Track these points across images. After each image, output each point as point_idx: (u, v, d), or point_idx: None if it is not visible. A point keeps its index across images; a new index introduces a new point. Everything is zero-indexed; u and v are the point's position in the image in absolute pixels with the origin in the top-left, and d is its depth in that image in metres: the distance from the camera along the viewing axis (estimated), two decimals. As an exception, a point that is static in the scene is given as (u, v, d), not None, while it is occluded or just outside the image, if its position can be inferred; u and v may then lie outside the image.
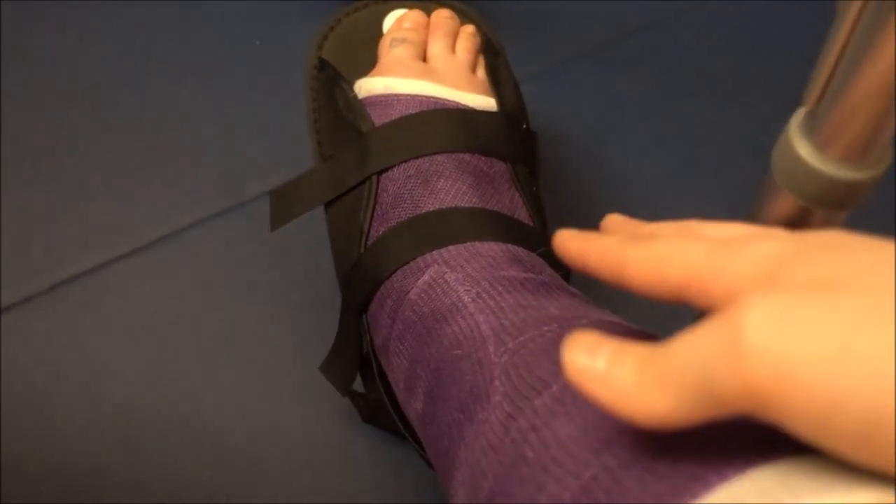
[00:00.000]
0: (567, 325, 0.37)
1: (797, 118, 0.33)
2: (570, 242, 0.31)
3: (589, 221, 0.62)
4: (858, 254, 0.22)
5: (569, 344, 0.26)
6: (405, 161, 0.48)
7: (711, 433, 0.25)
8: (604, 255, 0.29)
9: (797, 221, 0.35)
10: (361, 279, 0.46)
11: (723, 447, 0.25)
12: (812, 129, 0.32)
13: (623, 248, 0.28)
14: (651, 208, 0.64)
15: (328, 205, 0.51)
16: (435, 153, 0.48)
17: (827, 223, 0.35)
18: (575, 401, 0.31)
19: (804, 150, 0.33)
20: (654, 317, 0.51)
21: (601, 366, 0.24)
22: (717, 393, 0.21)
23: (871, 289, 0.20)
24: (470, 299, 0.40)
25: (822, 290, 0.21)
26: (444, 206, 0.46)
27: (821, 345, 0.20)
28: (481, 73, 0.54)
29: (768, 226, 0.39)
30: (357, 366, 0.50)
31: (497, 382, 0.35)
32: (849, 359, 0.19)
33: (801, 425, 0.20)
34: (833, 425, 0.20)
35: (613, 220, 0.35)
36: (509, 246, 0.45)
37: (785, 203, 0.35)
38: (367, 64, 0.54)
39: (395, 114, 0.49)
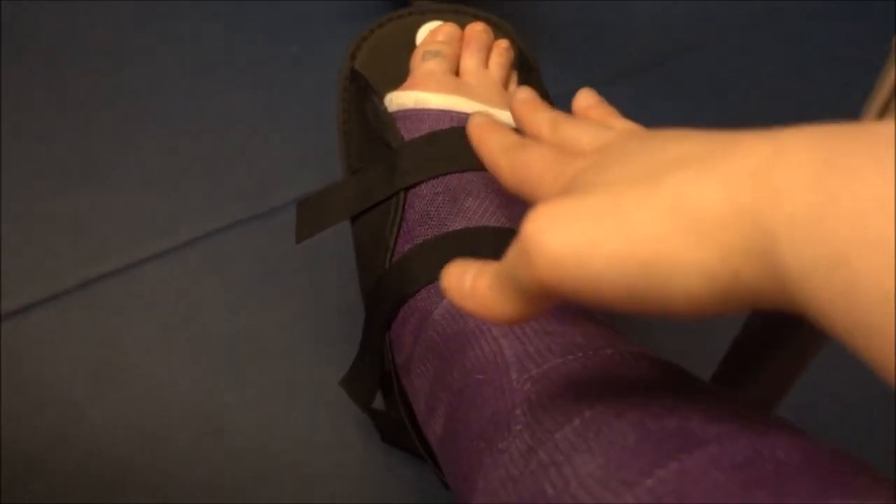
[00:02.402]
0: (592, 354, 0.36)
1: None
2: (474, 129, 0.38)
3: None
4: (626, 158, 0.26)
5: (444, 271, 0.30)
6: (434, 178, 0.47)
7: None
8: (486, 155, 0.36)
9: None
10: (385, 296, 0.46)
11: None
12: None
13: (498, 155, 0.35)
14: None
15: (354, 218, 0.50)
16: (464, 171, 0.47)
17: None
18: (598, 437, 0.30)
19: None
20: (678, 344, 0.50)
21: (468, 283, 0.29)
22: (526, 289, 0.26)
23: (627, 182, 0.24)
24: (494, 322, 0.39)
25: (593, 190, 0.25)
26: (471, 225, 0.45)
27: (585, 235, 0.24)
28: (514, 89, 0.53)
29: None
30: (378, 383, 0.49)
31: (518, 411, 0.34)
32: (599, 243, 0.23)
33: (585, 299, 0.24)
34: (602, 292, 0.24)
35: (578, 100, 0.43)
36: (535, 268, 0.44)
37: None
38: (400, 76, 0.53)
39: (425, 129, 0.49)
